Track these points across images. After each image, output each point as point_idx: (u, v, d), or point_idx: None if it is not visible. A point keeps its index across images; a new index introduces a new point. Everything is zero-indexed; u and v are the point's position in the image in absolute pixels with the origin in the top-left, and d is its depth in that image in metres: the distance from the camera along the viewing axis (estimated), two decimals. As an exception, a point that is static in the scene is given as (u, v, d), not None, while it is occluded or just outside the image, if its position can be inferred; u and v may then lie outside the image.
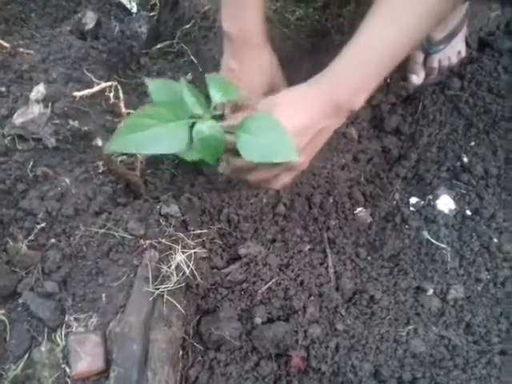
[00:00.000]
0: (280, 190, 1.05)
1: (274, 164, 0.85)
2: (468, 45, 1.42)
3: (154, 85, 0.87)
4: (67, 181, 0.96)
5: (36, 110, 1.01)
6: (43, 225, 0.90)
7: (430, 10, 0.78)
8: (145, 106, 0.80)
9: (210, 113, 0.82)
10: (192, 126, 0.81)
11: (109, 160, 0.93)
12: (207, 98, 0.85)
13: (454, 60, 1.34)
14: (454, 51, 1.33)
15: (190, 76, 1.33)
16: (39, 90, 1.04)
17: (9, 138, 0.98)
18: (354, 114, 0.93)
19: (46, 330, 0.83)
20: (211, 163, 0.85)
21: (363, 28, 0.81)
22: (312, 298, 0.92)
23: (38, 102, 1.02)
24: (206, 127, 0.80)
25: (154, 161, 1.10)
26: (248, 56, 0.99)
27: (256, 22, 0.97)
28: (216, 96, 0.84)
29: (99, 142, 0.86)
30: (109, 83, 1.03)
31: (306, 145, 0.87)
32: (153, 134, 0.76)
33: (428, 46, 1.28)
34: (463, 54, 1.36)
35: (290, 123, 0.82)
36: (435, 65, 1.33)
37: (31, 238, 0.88)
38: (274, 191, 1.05)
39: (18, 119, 0.99)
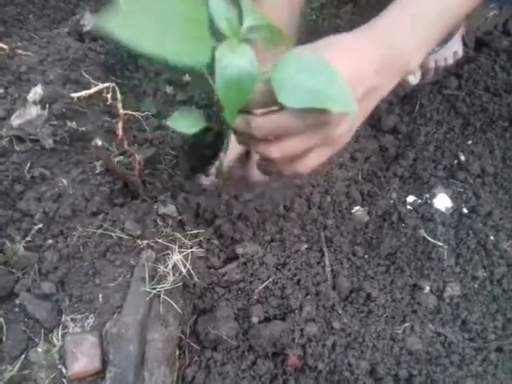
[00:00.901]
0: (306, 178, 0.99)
1: (319, 124, 0.63)
2: (465, 44, 1.43)
3: None
4: (64, 182, 0.96)
5: (33, 111, 1.02)
6: (40, 226, 0.90)
7: None
8: None
9: (242, 35, 0.58)
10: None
11: (108, 159, 0.93)
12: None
13: (451, 60, 1.34)
14: (451, 52, 1.34)
15: (188, 77, 1.33)
16: (37, 92, 1.04)
17: (6, 139, 0.99)
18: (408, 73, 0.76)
19: (42, 330, 0.83)
20: (229, 115, 0.60)
21: None
22: (309, 296, 0.92)
23: (35, 103, 1.03)
24: (235, 54, 0.56)
25: (152, 161, 1.10)
26: None
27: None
28: (249, 18, 0.60)
29: (99, 142, 0.86)
30: (106, 84, 1.03)
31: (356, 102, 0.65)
32: (167, 25, 0.50)
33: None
34: (460, 54, 1.37)
35: (340, 69, 0.60)
36: (431, 65, 1.33)
37: (28, 238, 0.89)
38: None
39: (15, 120, 1.00)
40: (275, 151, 0.66)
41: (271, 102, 0.59)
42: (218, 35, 0.55)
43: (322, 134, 0.65)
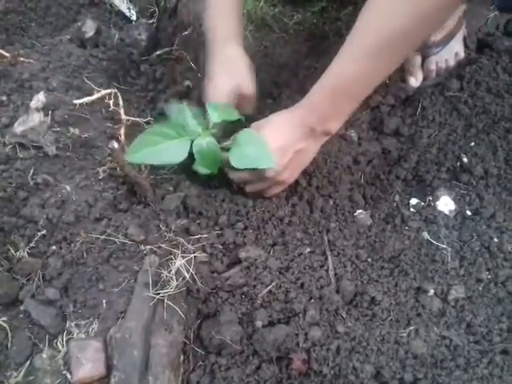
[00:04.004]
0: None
1: (262, 177, 0.99)
2: (467, 45, 1.43)
3: (170, 108, 1.08)
4: (68, 188, 0.96)
5: (36, 118, 1.02)
6: (44, 232, 0.90)
7: (395, 48, 0.85)
8: (154, 126, 1.01)
9: (208, 131, 1.00)
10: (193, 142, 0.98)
11: (123, 162, 0.93)
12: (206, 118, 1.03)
13: (452, 62, 1.34)
14: (452, 53, 1.34)
15: (188, 82, 1.33)
16: (39, 99, 1.04)
17: (10, 146, 0.99)
18: (333, 134, 1.02)
19: (47, 336, 0.83)
20: (213, 172, 1.01)
21: (334, 61, 0.90)
22: (312, 300, 0.92)
23: (38, 110, 1.03)
24: (204, 142, 0.98)
25: (155, 167, 1.11)
26: (221, 57, 1.12)
27: (232, 27, 1.14)
28: (213, 117, 1.01)
29: (115, 145, 0.88)
30: (108, 90, 1.04)
31: (287, 163, 0.99)
32: (160, 148, 0.95)
33: (425, 49, 1.29)
34: (461, 55, 1.37)
35: (272, 143, 0.96)
36: (433, 67, 1.33)
37: (32, 245, 0.89)
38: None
39: (18, 128, 1.00)
40: (247, 188, 1.06)
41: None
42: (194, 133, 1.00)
43: (269, 181, 1.02)
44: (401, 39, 0.82)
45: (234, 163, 0.96)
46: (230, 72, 1.10)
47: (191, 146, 0.97)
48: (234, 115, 1.06)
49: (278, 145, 0.97)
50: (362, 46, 0.85)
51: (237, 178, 1.04)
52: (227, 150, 1.00)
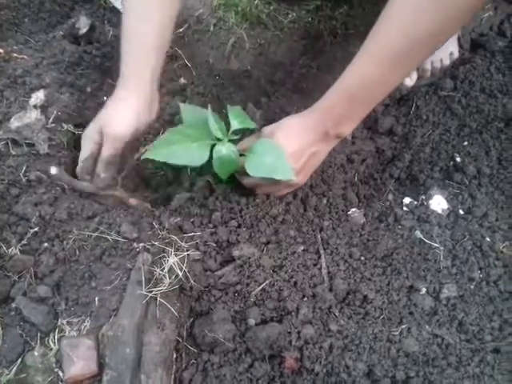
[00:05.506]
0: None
1: (276, 182, 0.98)
2: (461, 45, 1.43)
3: (185, 109, 1.05)
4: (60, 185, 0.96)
5: (33, 115, 1.02)
6: (36, 229, 0.90)
7: (403, 54, 0.83)
8: (177, 126, 0.99)
9: (228, 137, 0.99)
10: (213, 146, 0.96)
11: None
12: (226, 123, 1.01)
13: (446, 62, 1.35)
14: (446, 53, 1.34)
15: (183, 80, 1.33)
16: (38, 97, 1.04)
17: (2, 142, 0.98)
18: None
19: (38, 334, 0.83)
20: (224, 179, 1.01)
21: (352, 65, 0.90)
22: (305, 298, 0.92)
23: (36, 107, 1.03)
24: (224, 148, 0.97)
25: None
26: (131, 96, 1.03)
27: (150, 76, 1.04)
28: (234, 123, 1.01)
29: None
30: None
31: (301, 167, 0.99)
32: (180, 148, 0.94)
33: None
34: (455, 55, 1.37)
35: (286, 148, 0.96)
36: (427, 66, 1.33)
37: (24, 242, 0.89)
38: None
39: (14, 123, 1.00)
40: (258, 190, 1.06)
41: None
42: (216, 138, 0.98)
43: (284, 184, 1.02)
44: (423, 44, 0.81)
45: (250, 172, 0.94)
46: (129, 116, 1.02)
47: (211, 150, 0.96)
48: (253, 124, 1.07)
49: (292, 150, 0.96)
50: (384, 51, 0.84)
51: (249, 182, 1.04)
52: (240, 155, 0.98)
